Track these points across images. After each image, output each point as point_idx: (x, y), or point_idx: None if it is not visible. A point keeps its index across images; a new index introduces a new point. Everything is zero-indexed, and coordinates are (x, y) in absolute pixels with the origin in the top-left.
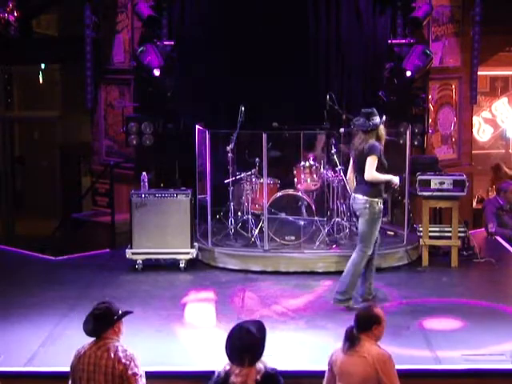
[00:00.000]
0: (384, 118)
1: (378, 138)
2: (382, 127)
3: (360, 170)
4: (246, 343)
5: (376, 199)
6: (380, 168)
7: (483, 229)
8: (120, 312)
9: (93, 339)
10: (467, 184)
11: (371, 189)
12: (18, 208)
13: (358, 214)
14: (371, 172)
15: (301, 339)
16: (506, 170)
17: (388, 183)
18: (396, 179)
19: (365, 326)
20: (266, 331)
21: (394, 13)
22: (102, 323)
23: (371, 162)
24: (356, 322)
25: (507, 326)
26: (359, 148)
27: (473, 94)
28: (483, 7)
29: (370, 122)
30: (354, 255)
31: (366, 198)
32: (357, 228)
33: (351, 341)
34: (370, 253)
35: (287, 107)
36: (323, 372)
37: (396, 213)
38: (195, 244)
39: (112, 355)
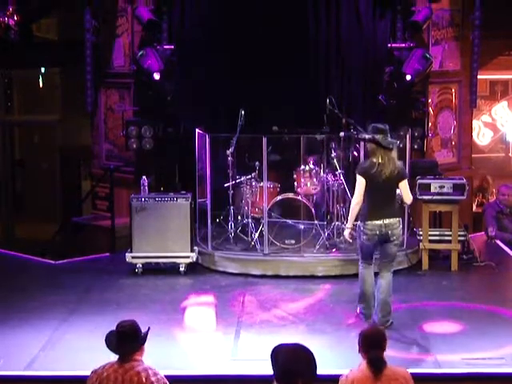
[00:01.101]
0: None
1: (398, 157)
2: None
3: (390, 192)
4: (302, 367)
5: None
6: None
7: (483, 232)
8: (143, 331)
9: (111, 361)
10: (467, 188)
11: (400, 210)
12: (18, 212)
13: (393, 238)
14: (411, 196)
15: (301, 343)
16: (490, 182)
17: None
18: None
19: (382, 345)
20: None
21: (394, 16)
22: (131, 343)
23: (407, 186)
24: (373, 344)
25: (507, 330)
26: (390, 169)
27: (472, 98)
28: (483, 11)
29: (388, 138)
30: (390, 277)
31: (400, 220)
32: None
33: (379, 366)
34: None
35: (287, 111)
36: (323, 376)
37: None
38: (195, 248)
39: (144, 380)
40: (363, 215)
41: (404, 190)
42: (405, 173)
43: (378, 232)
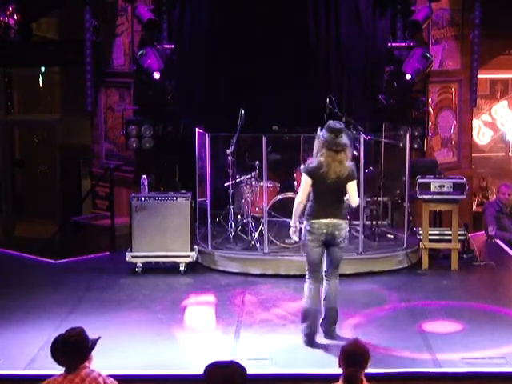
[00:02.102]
0: (351, 136)
1: (349, 158)
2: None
3: (337, 193)
4: None
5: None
6: None
7: (483, 232)
8: (91, 338)
9: (55, 375)
10: (467, 187)
11: (345, 213)
12: (18, 211)
13: (339, 240)
14: (357, 198)
15: (300, 342)
16: (489, 182)
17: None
18: None
19: (361, 362)
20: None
21: (394, 16)
22: (77, 353)
23: (356, 188)
24: (350, 361)
25: (507, 329)
26: (338, 170)
27: (472, 97)
28: (483, 10)
29: (339, 139)
30: (337, 284)
31: (346, 221)
32: (357, 231)
33: (353, 383)
34: None
35: (287, 110)
36: (322, 375)
37: (396, 216)
38: (195, 247)
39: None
40: (309, 214)
41: (351, 192)
42: (353, 175)
43: (324, 231)
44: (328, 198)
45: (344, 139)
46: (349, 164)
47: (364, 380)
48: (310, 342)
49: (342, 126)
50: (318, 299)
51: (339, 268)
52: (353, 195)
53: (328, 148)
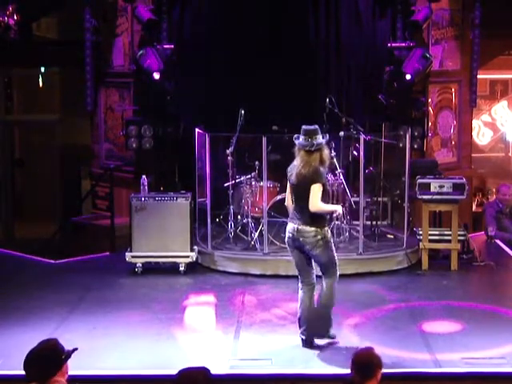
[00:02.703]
0: (327, 137)
1: (322, 161)
2: (326, 148)
3: (301, 197)
4: None
5: (326, 228)
6: (324, 196)
7: (483, 232)
8: (66, 350)
9: None
10: (467, 187)
11: (319, 218)
12: (18, 211)
13: (308, 247)
14: (316, 202)
15: (300, 343)
16: (487, 184)
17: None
18: (339, 209)
19: (369, 372)
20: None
21: (394, 16)
22: (50, 365)
23: (316, 191)
24: (358, 369)
25: (507, 329)
26: (302, 172)
27: (472, 98)
28: (483, 11)
29: (313, 140)
30: (330, 284)
31: (313, 228)
32: (357, 231)
33: None
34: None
35: (287, 110)
36: (322, 375)
37: (396, 216)
38: (195, 247)
39: None
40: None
41: (311, 195)
42: (315, 178)
43: (290, 235)
44: (295, 201)
45: (318, 139)
46: (316, 166)
47: None
48: (308, 345)
49: (316, 127)
50: (307, 307)
51: (331, 271)
52: (311, 198)
53: (302, 150)
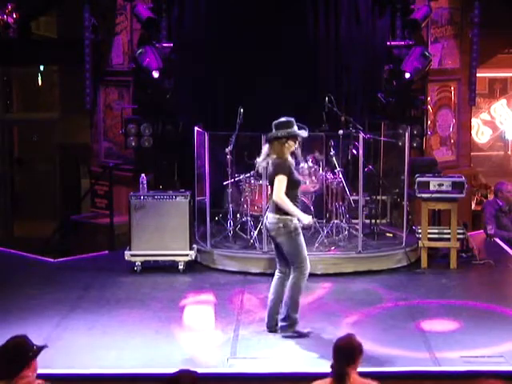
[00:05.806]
0: (306, 132)
1: (281, 153)
2: (290, 141)
3: (272, 187)
4: None
5: (289, 217)
6: (292, 186)
7: (482, 231)
8: (35, 347)
9: None
10: (466, 186)
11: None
12: (17, 210)
13: (272, 234)
14: (279, 194)
15: (299, 341)
16: (482, 180)
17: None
18: (306, 219)
19: (350, 358)
20: None
21: (393, 14)
22: (17, 362)
23: (278, 183)
24: (340, 356)
25: (506, 328)
26: (265, 164)
27: (471, 96)
28: (482, 9)
29: (277, 133)
30: (293, 278)
31: (277, 216)
32: (356, 230)
33: (340, 379)
34: (308, 267)
35: (286, 109)
36: (322, 374)
37: (395, 214)
38: (194, 246)
39: None
40: None
41: (274, 186)
42: (276, 169)
43: (264, 223)
44: (269, 191)
45: (273, 132)
46: (275, 159)
47: (356, 376)
48: (270, 330)
49: (283, 119)
50: (271, 292)
51: (296, 264)
52: (274, 189)
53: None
